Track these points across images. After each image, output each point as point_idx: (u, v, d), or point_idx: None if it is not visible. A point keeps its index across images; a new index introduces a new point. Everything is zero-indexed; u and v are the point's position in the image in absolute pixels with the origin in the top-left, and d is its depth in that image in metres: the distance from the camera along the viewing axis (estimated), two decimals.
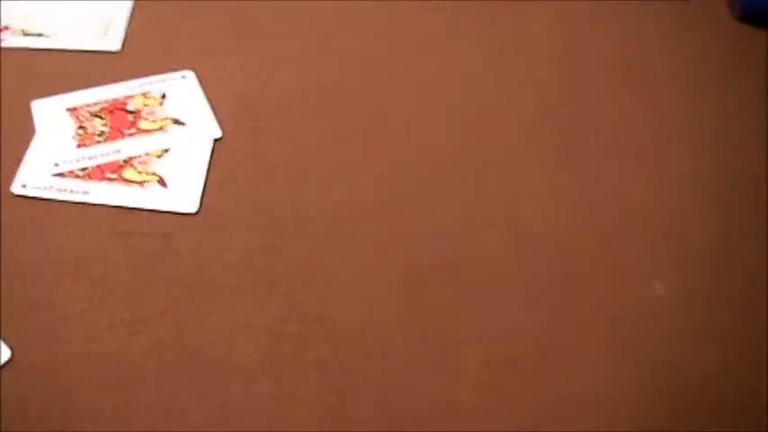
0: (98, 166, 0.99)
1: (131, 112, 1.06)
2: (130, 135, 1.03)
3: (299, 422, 0.78)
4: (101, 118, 1.05)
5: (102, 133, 1.03)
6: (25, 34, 1.16)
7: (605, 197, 1.00)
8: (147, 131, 1.04)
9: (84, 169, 0.98)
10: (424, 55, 1.17)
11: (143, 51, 1.15)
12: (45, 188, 0.95)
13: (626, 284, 0.91)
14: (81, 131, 1.03)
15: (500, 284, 0.90)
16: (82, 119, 1.04)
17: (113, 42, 1.16)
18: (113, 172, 0.98)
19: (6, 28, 1.17)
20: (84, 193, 0.96)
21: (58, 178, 0.97)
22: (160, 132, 1.04)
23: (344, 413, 0.79)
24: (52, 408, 0.77)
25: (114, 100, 1.08)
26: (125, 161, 1.00)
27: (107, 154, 1.00)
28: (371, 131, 1.06)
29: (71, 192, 0.95)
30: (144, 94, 1.08)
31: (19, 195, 0.95)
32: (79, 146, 1.01)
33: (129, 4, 1.22)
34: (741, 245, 0.95)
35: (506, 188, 1.00)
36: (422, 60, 1.16)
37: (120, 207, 0.94)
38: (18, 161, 0.98)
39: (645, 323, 0.88)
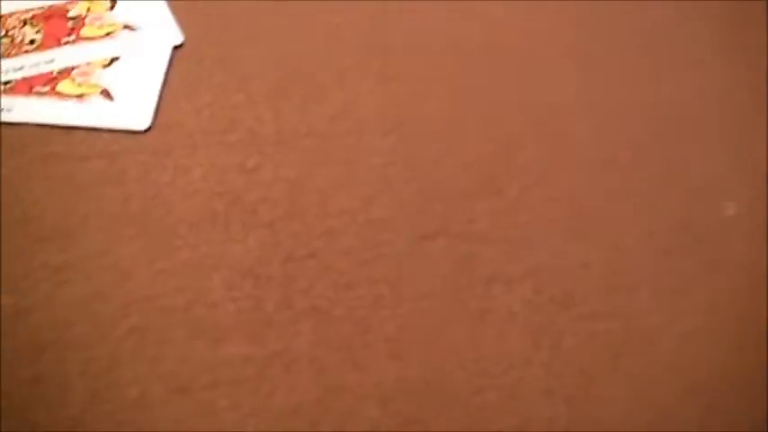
0: (24, 79, 0.77)
1: (72, 19, 0.84)
2: (69, 43, 0.81)
3: (291, 392, 0.57)
4: (33, 25, 0.83)
5: (32, 41, 0.81)
6: None
7: (661, 108, 0.79)
8: (90, 39, 0.82)
9: (7, 83, 0.77)
10: None
11: None
12: None
13: (694, 204, 0.72)
14: (5, 41, 0.81)
15: (545, 210, 0.70)
16: (8, 26, 0.83)
17: None
18: (45, 85, 0.77)
19: None
20: (5, 110, 0.74)
21: None
22: (107, 39, 0.82)
23: (350, 375, 0.58)
24: None
25: (51, 5, 0.86)
26: (60, 72, 0.78)
27: (37, 64, 0.79)
28: (372, 30, 0.84)
29: None
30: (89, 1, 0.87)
31: None
32: (1, 56, 0.79)
33: None
34: None
35: (547, 100, 0.79)
36: None
37: (52, 126, 0.73)
38: None
39: (719, 246, 0.69)
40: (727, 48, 0.87)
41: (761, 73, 0.85)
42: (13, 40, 0.82)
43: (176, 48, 0.83)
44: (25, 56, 0.80)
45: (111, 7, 0.87)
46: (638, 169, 0.76)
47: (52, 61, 0.80)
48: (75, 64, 0.80)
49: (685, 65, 0.85)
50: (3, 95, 0.76)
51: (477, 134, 0.77)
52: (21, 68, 0.79)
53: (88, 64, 0.80)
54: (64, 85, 0.78)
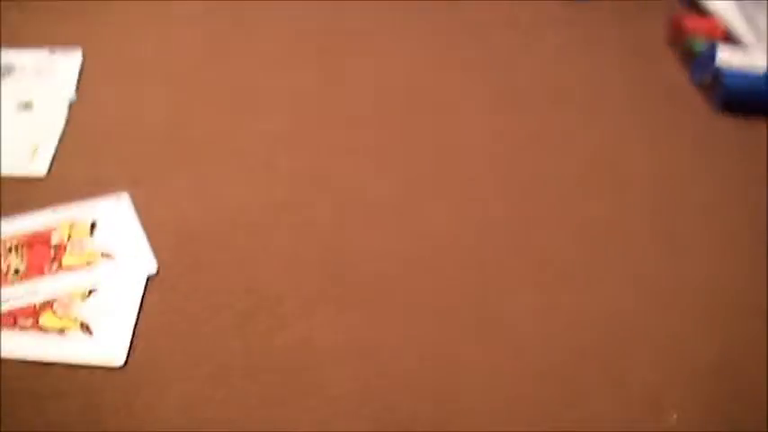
0: (9, 312, 0.84)
1: (54, 245, 0.91)
2: (51, 273, 0.88)
3: None
4: (17, 253, 0.90)
5: (17, 271, 0.88)
6: None
7: (600, 315, 0.87)
8: (71, 268, 0.89)
9: None
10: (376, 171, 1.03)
11: (73, 175, 1.01)
12: None
13: (634, 415, 0.78)
14: None
15: (493, 417, 0.76)
16: None
17: (40, 166, 1.02)
18: (28, 318, 0.83)
19: None
20: None
21: None
22: (87, 268, 0.89)
23: None
24: None
25: (35, 231, 0.93)
26: (42, 304, 0.85)
27: (21, 296, 0.85)
28: (330, 254, 0.92)
29: None
30: (71, 224, 0.94)
31: None
32: None
33: (61, 125, 1.08)
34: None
35: (494, 315, 0.86)
36: (375, 178, 1.02)
37: (35, 362, 0.79)
38: None
39: None
40: (659, 245, 0.95)
41: (694, 275, 0.92)
42: None
43: (151, 276, 0.89)
44: (10, 287, 0.87)
45: (91, 232, 0.94)
46: (578, 379, 0.82)
47: (35, 293, 0.86)
48: (56, 296, 0.86)
49: (625, 271, 0.92)
50: None
51: (431, 362, 0.83)
52: (5, 301, 0.85)
53: (69, 295, 0.86)
54: (46, 319, 0.84)
